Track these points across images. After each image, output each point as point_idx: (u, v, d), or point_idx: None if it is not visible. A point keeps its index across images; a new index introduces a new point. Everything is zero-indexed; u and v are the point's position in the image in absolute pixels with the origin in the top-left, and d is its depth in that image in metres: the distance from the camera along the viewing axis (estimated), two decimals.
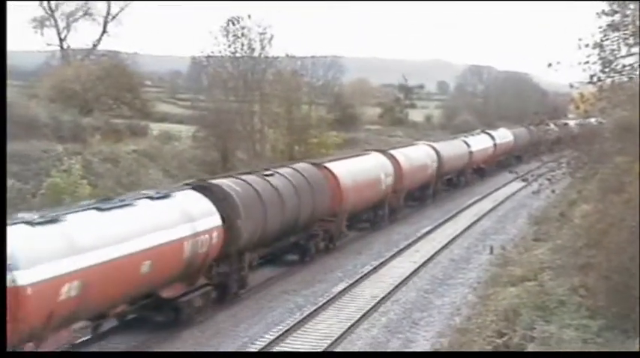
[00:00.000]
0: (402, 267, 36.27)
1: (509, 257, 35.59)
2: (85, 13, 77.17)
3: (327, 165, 39.91)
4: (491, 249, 39.46)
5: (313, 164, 39.51)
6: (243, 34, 58.02)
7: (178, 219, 25.66)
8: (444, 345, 24.98)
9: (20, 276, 18.96)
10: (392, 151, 49.51)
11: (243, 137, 58.04)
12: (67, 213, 22.02)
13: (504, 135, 78.49)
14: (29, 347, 19.82)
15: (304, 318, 28.03)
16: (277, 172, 34.87)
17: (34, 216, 20.99)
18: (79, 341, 23.45)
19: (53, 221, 21.06)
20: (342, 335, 26.28)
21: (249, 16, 57.90)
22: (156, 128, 61.55)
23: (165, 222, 24.99)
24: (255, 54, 58.76)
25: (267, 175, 33.75)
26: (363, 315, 28.44)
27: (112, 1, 77.46)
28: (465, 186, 65.04)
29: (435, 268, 36.44)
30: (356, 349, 25.24)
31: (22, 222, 20.44)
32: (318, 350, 24.75)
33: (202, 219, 26.88)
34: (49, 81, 63.50)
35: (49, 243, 20.30)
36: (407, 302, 30.78)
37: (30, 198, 37.78)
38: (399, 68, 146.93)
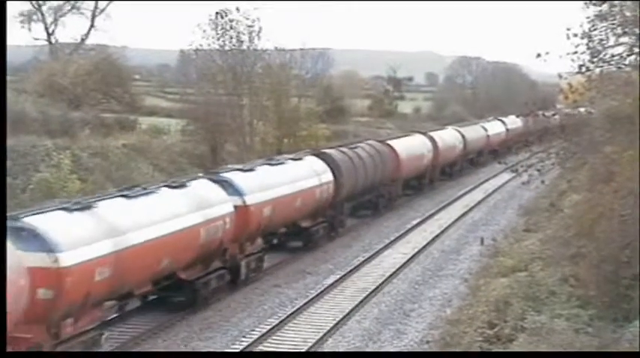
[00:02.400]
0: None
1: (500, 247, 35.70)
2: (73, 8, 76.83)
3: (389, 142, 51.46)
4: (482, 240, 39.58)
5: (379, 141, 50.78)
6: (231, 27, 57.90)
7: (311, 174, 37.36)
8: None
9: (247, 198, 30.46)
10: (431, 133, 60.39)
11: (232, 130, 57.94)
12: (257, 166, 33.99)
13: (514, 122, 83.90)
14: (247, 243, 30.77)
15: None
16: (359, 146, 46.16)
17: (239, 166, 33.45)
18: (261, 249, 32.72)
19: (251, 170, 32.78)
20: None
21: (238, 9, 57.85)
22: (145, 122, 61.35)
23: (304, 175, 36.56)
24: (244, 47, 58.65)
25: (353, 148, 44.80)
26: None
27: None
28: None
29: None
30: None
31: (238, 170, 32.10)
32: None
33: (323, 175, 38.44)
34: (38, 75, 63.25)
35: (254, 182, 31.63)
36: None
37: (19, 193, 37.66)
38: (387, 60, 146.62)
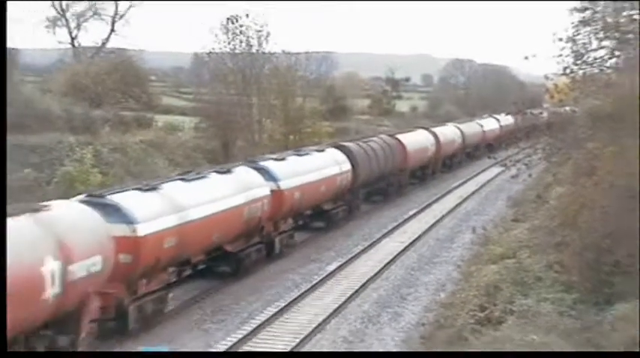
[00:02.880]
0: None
1: (490, 236, 35.67)
2: (94, 13, 76.79)
3: (398, 136, 53.33)
4: (474, 229, 39.55)
5: (389, 135, 52.71)
6: (241, 32, 57.92)
7: (332, 164, 39.82)
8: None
9: (281, 184, 33.02)
10: (433, 129, 62.19)
11: (242, 127, 57.96)
12: (288, 156, 36.70)
13: (507, 119, 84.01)
14: (281, 222, 33.61)
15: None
16: (372, 139, 48.43)
17: (273, 156, 36.15)
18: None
19: (283, 159, 35.37)
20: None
21: (247, 15, 57.89)
22: (161, 120, 61.33)
23: (327, 165, 39.08)
24: (253, 50, 58.67)
25: (368, 141, 47.12)
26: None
27: (120, 1, 77.00)
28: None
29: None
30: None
31: (272, 159, 34.72)
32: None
33: (343, 165, 40.83)
34: (62, 76, 63.21)
35: (286, 170, 34.15)
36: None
37: (45, 186, 37.74)
38: (386, 62, 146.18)
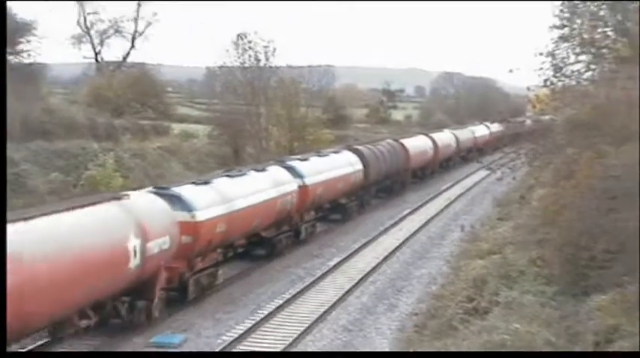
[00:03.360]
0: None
1: (477, 234, 35.65)
2: (116, 31, 76.83)
3: (401, 140, 55.32)
4: (462, 227, 39.54)
5: (394, 140, 54.66)
6: (250, 47, 58.09)
7: (347, 164, 41.86)
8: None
9: (306, 180, 34.90)
10: (432, 134, 64.52)
11: (251, 135, 58.09)
12: (310, 157, 38.63)
13: (496, 126, 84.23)
14: (305, 213, 35.53)
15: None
16: (380, 143, 50.53)
17: (299, 156, 38.22)
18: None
19: (306, 159, 37.40)
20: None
21: (256, 32, 58.09)
22: (176, 128, 61.46)
23: (343, 164, 41.14)
24: (261, 64, 58.80)
25: (376, 145, 49.22)
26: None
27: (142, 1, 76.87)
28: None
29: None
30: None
31: (298, 159, 36.77)
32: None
33: (356, 165, 42.88)
34: (87, 88, 63.37)
35: (310, 169, 36.04)
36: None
37: (72, 188, 37.80)
38: (382, 75, 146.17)
